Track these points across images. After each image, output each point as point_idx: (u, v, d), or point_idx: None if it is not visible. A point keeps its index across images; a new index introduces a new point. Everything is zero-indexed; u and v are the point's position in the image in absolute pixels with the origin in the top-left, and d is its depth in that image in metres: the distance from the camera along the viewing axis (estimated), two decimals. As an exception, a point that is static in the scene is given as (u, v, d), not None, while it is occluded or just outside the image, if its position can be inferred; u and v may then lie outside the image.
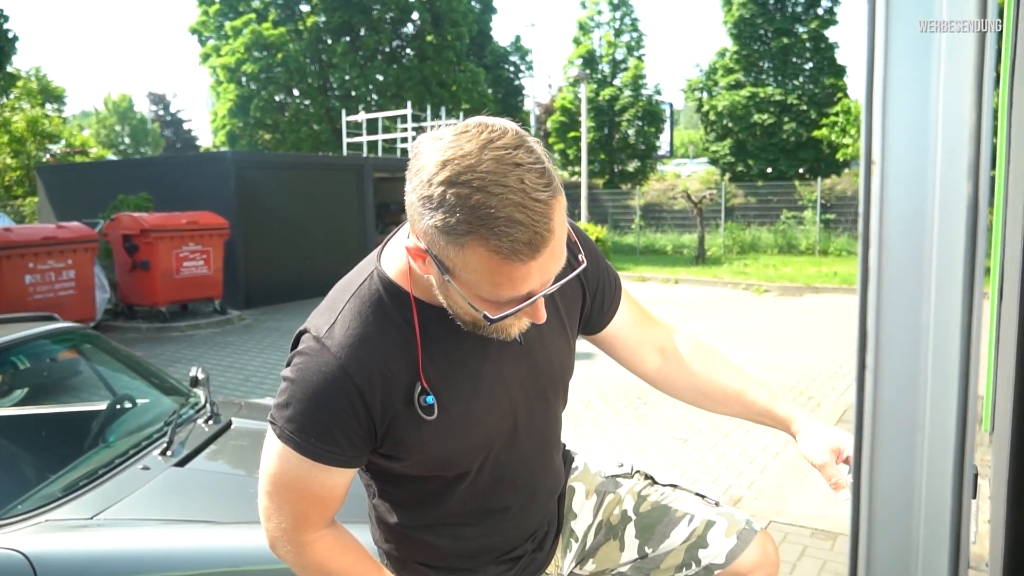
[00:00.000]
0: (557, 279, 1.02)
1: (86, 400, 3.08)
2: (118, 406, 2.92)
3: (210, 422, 2.81)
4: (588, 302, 1.33)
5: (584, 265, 1.11)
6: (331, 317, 1.12)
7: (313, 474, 1.12)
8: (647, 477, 1.53)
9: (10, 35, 12.81)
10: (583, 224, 15.36)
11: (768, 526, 3.57)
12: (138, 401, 2.98)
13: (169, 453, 2.48)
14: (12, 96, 23.02)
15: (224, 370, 7.55)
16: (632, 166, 24.55)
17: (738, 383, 1.44)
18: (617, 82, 24.32)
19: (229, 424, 2.84)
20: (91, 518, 2.10)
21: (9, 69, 19.99)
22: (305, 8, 23.84)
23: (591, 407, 5.90)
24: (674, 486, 1.52)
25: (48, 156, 21.21)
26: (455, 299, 1.04)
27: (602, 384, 6.53)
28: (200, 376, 3.07)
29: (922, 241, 0.41)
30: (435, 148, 0.95)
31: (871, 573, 0.46)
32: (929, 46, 0.40)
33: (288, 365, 1.13)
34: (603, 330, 1.40)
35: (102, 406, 2.93)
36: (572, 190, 21.73)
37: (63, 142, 22.06)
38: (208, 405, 2.93)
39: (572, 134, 23.89)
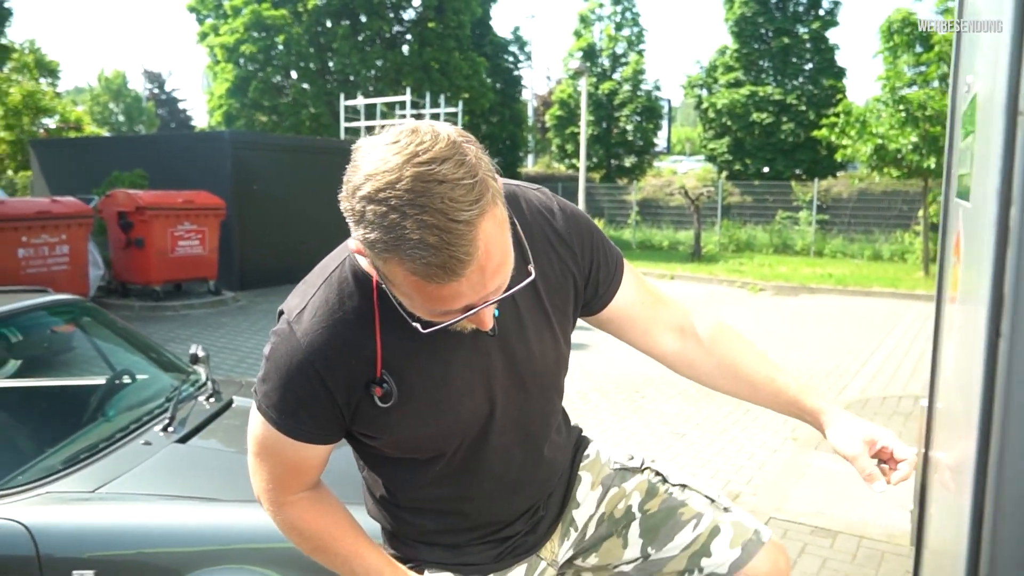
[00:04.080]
0: (510, 286, 1.01)
1: (85, 374, 3.03)
2: (118, 380, 2.87)
3: (211, 400, 2.77)
4: (581, 286, 1.29)
5: (532, 277, 1.07)
6: (302, 301, 1.15)
7: (286, 444, 1.17)
8: (657, 474, 1.49)
9: (5, 5, 12.63)
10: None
11: (768, 523, 3.56)
12: (138, 376, 2.94)
13: (171, 429, 2.45)
14: (7, 69, 22.75)
15: (219, 351, 7.50)
16: (629, 161, 24.50)
17: (765, 369, 1.39)
18: (617, 76, 24.24)
19: (230, 402, 2.80)
20: (93, 491, 2.06)
21: (3, 41, 19.74)
22: (306, -10, 23.62)
23: (587, 400, 5.88)
24: (684, 486, 1.47)
25: (41, 131, 20.98)
26: (396, 301, 1.04)
27: (598, 377, 6.51)
28: (200, 354, 3.04)
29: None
30: (366, 157, 0.94)
31: (995, 556, 0.43)
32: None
33: (268, 341, 1.17)
34: (604, 311, 1.35)
35: (102, 380, 2.88)
36: (570, 183, 21.69)
37: (57, 117, 21.80)
38: (209, 383, 2.89)
39: (571, 129, 23.82)
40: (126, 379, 2.90)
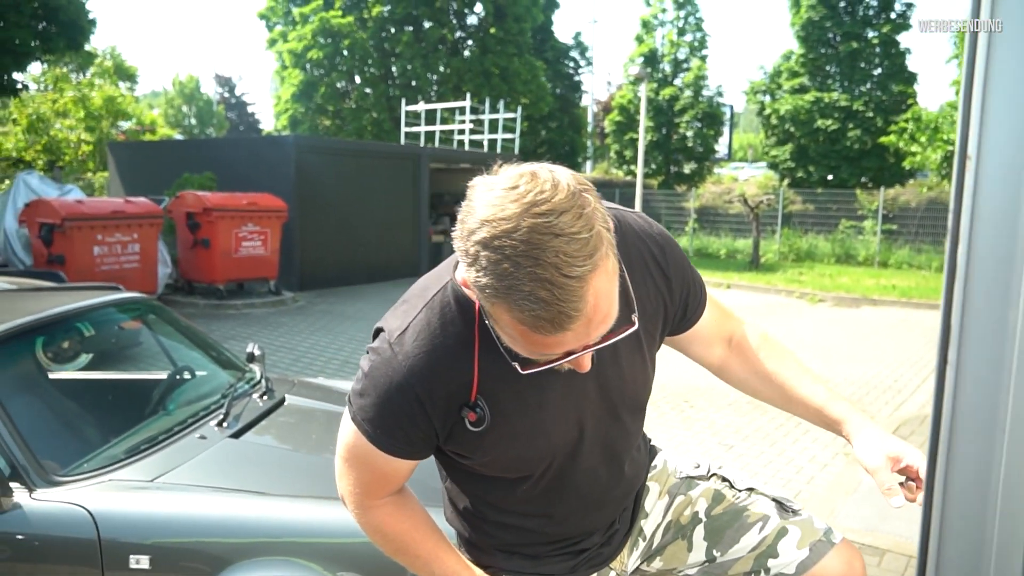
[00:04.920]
0: (610, 334, 1.01)
1: (149, 369, 3.19)
2: (178, 376, 3.02)
3: (264, 397, 2.89)
4: (671, 312, 1.32)
5: (635, 327, 1.05)
6: (404, 322, 1.15)
7: (377, 456, 1.20)
8: (724, 480, 1.51)
9: (90, 16, 13.27)
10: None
11: (812, 538, 3.51)
12: (197, 373, 3.08)
13: (225, 424, 2.56)
14: (89, 74, 23.86)
15: (276, 349, 7.72)
16: (689, 168, 24.22)
17: (797, 377, 1.41)
18: (678, 82, 24.02)
19: (283, 400, 2.91)
20: (151, 480, 2.18)
21: (87, 48, 20.69)
22: (371, -3, 24.12)
23: (636, 407, 5.86)
24: (751, 490, 1.49)
25: (119, 133, 21.94)
26: (496, 336, 1.05)
27: (648, 385, 6.48)
28: (256, 353, 3.16)
29: (1013, 239, 0.40)
30: (482, 199, 0.93)
31: (941, 571, 0.45)
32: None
33: (366, 355, 1.19)
34: (683, 333, 1.40)
35: (163, 375, 3.03)
36: (627, 190, 21.57)
37: (134, 120, 22.78)
38: (263, 381, 3.01)
39: (630, 135, 23.69)
40: (186, 375, 3.04)
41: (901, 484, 1.25)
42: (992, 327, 0.42)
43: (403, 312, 1.18)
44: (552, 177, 0.92)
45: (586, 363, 1.06)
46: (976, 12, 0.45)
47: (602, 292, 0.93)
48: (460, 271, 1.01)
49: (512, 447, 1.19)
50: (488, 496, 1.30)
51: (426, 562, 1.29)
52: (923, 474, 1.23)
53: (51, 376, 2.94)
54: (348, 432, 1.23)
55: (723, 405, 5.85)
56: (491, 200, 0.92)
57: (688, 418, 5.60)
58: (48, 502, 2.06)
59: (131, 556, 2.00)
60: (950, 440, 0.44)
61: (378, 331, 1.20)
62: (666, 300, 1.29)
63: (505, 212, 0.89)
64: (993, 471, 0.43)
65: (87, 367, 3.25)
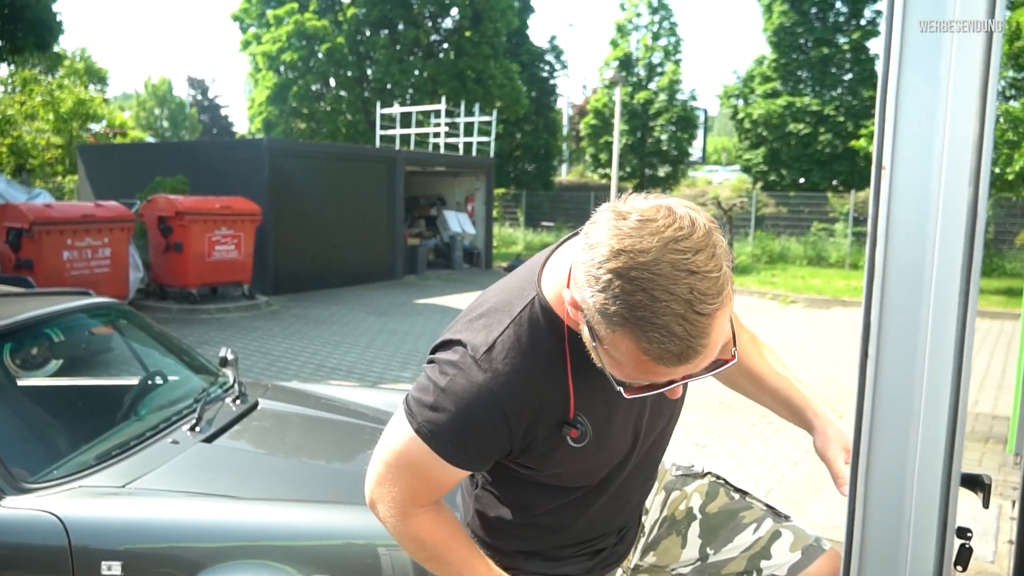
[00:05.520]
0: (711, 365, 1.02)
1: (120, 374, 3.17)
2: (150, 381, 3.01)
3: (238, 401, 2.88)
4: None
5: (734, 361, 1.05)
6: (489, 337, 1.14)
7: (437, 465, 1.18)
8: (718, 478, 1.55)
9: (58, 16, 13.09)
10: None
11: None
12: (169, 377, 3.07)
13: (198, 429, 2.56)
14: (58, 75, 23.51)
15: (250, 354, 7.68)
16: (663, 171, 24.43)
17: (767, 369, 1.45)
18: (652, 86, 24.22)
19: (256, 405, 2.91)
20: (123, 486, 2.17)
21: (56, 49, 20.39)
22: (345, 0, 24.05)
23: (611, 408, 5.91)
24: (745, 493, 1.53)
25: (89, 136, 21.65)
26: (598, 358, 1.05)
27: (623, 386, 6.53)
28: (229, 357, 3.15)
29: (923, 244, 0.44)
30: (614, 229, 0.94)
31: (864, 556, 0.49)
32: (938, 49, 0.43)
33: (436, 367, 1.17)
34: None
35: (135, 380, 3.02)
36: (602, 192, 21.69)
37: (104, 122, 22.49)
38: (236, 385, 3.01)
39: (605, 138, 23.84)
40: (158, 380, 3.03)
41: None
42: (907, 322, 0.46)
43: (486, 327, 1.16)
44: (689, 216, 0.95)
45: (680, 391, 1.08)
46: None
47: (722, 329, 0.96)
48: (571, 292, 1.01)
49: (584, 460, 1.21)
50: (533, 502, 1.31)
51: (458, 569, 1.28)
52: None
53: (20, 383, 2.92)
54: (401, 439, 1.20)
55: (695, 405, 5.92)
56: (625, 231, 0.93)
57: (662, 419, 5.65)
58: (18, 510, 2.05)
59: (103, 562, 1.99)
60: (872, 426, 0.47)
61: (450, 343, 1.17)
62: None
63: (642, 245, 0.91)
64: (908, 460, 0.47)
65: (57, 373, 3.22)
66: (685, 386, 1.20)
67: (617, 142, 17.30)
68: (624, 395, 1.03)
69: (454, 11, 24.11)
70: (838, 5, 21.72)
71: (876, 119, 0.47)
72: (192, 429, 2.55)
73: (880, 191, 0.46)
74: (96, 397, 3.02)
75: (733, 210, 16.53)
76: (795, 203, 20.22)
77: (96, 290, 3.80)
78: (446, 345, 1.18)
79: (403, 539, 1.28)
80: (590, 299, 0.95)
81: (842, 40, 21.63)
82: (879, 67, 0.46)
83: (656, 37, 24.45)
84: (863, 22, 21.68)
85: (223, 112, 45.03)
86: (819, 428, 1.36)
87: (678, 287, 0.90)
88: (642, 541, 1.51)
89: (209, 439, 2.53)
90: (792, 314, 11.28)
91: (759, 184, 22.40)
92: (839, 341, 9.03)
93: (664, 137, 23.93)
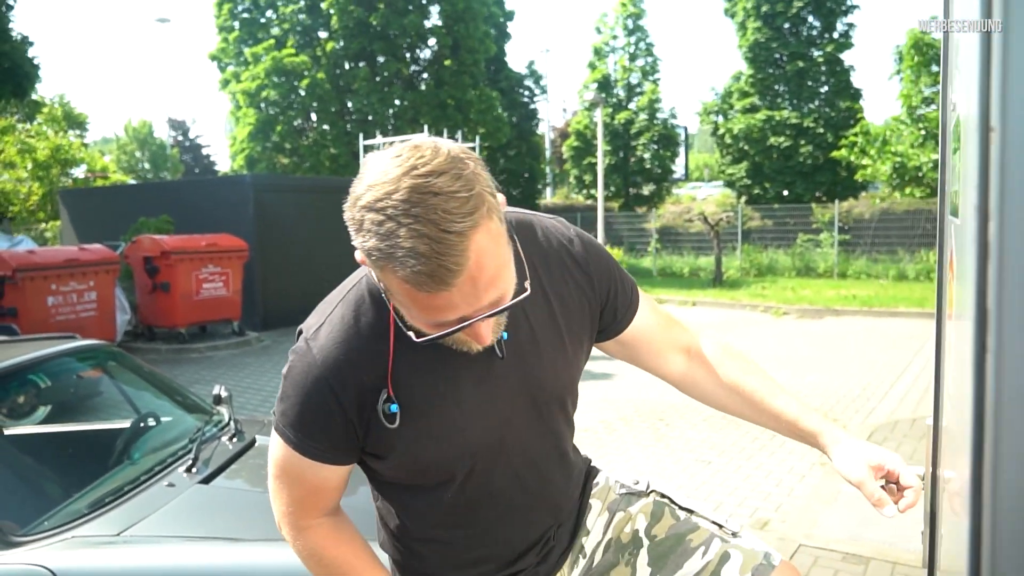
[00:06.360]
0: (506, 302, 1.02)
1: (111, 417, 3.07)
2: (143, 423, 2.91)
3: (234, 440, 2.79)
4: (598, 312, 1.31)
5: (527, 292, 1.06)
6: (320, 319, 1.17)
7: (305, 466, 1.19)
8: (663, 496, 1.48)
9: (35, 61, 13.04)
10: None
11: (798, 550, 3.49)
12: (162, 418, 2.97)
13: (194, 470, 2.47)
14: (37, 122, 23.42)
15: (243, 391, 7.55)
16: (648, 189, 24.54)
17: (767, 389, 1.39)
18: (632, 106, 24.40)
19: (253, 442, 2.82)
20: (117, 534, 2.08)
21: (34, 96, 20.34)
22: (323, 34, 24.16)
23: (612, 429, 5.83)
24: (691, 511, 1.46)
25: (70, 181, 21.52)
26: (399, 311, 1.07)
27: (623, 405, 6.46)
28: (223, 394, 3.07)
29: (1049, 210, 0.38)
30: (370, 170, 0.97)
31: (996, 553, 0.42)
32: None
33: (287, 359, 1.19)
34: (620, 336, 1.38)
35: (127, 423, 2.92)
36: (588, 213, 21.74)
37: (84, 167, 22.37)
38: (232, 423, 2.92)
39: (588, 160, 23.95)
40: (151, 422, 2.93)
41: (883, 488, 1.22)
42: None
43: (321, 310, 1.20)
44: (434, 145, 0.97)
45: (484, 334, 1.05)
46: (987, 11, 0.43)
47: (486, 251, 0.95)
48: (357, 254, 1.02)
49: (428, 446, 1.16)
50: (415, 508, 1.26)
51: None
52: (904, 481, 1.22)
53: (6, 432, 2.81)
54: (275, 446, 1.22)
55: (698, 421, 5.84)
56: (377, 168, 0.96)
57: (663, 436, 5.58)
58: (8, 565, 1.95)
59: (99, 616, 1.90)
60: (996, 430, 0.41)
61: (299, 333, 1.20)
62: (590, 299, 1.29)
63: (387, 176, 0.94)
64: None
65: (45, 420, 3.12)
66: (501, 340, 1.16)
67: (601, 163, 17.36)
68: (415, 339, 1.03)
69: (432, 41, 24.26)
70: (811, 20, 22.03)
71: (979, 76, 0.41)
72: (188, 470, 2.46)
73: (989, 156, 0.40)
74: (87, 442, 2.92)
75: (719, 225, 16.57)
76: (780, 215, 20.32)
77: (83, 335, 3.69)
78: (296, 336, 1.20)
79: (302, 556, 1.27)
80: (358, 243, 0.97)
81: (816, 53, 21.91)
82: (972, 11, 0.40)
83: (633, 58, 24.68)
84: (835, 35, 22.00)
85: (204, 152, 44.98)
86: (837, 448, 1.29)
87: (421, 208, 0.91)
88: (582, 563, 1.43)
89: (206, 480, 2.44)
90: (785, 326, 11.26)
91: (743, 198, 22.52)
92: (834, 350, 9.00)
93: (647, 156, 24.06)
